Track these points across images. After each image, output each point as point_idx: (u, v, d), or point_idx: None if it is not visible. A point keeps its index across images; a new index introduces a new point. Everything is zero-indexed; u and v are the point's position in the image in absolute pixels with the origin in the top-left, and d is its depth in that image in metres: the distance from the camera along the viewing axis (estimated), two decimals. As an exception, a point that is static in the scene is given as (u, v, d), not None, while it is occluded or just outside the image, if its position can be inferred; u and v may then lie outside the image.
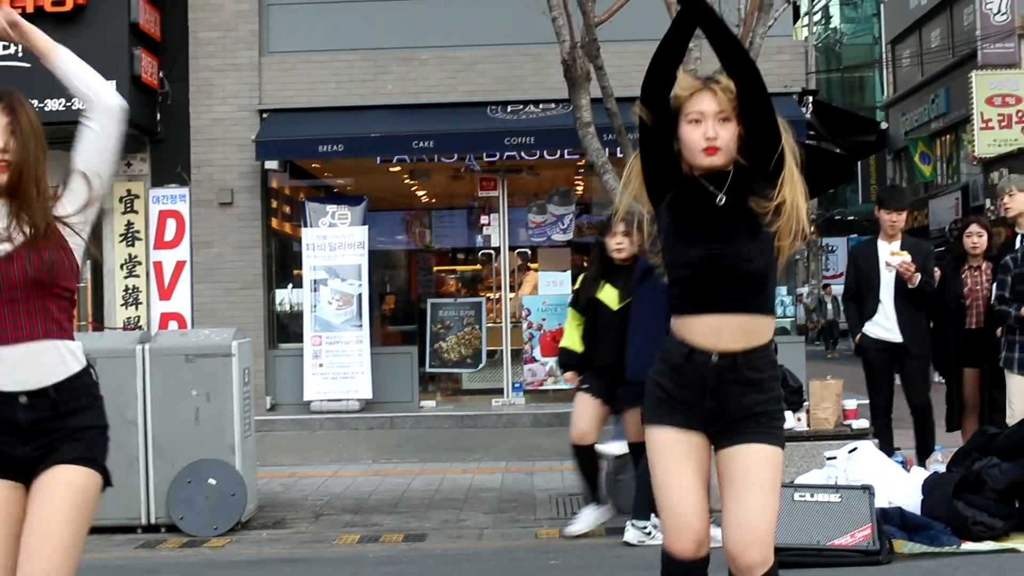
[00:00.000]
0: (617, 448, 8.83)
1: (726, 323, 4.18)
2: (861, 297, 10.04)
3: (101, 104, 3.97)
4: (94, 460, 3.95)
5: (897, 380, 10.06)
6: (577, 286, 8.87)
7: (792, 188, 4.20)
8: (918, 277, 9.57)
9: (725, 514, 4.18)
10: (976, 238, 10.03)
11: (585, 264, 8.86)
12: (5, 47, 14.86)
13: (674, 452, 4.21)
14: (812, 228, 3.77)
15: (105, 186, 4.03)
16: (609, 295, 8.38)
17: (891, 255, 9.72)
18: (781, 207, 4.17)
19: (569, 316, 8.79)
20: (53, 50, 4.01)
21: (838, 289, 36.90)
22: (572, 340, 8.71)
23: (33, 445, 3.88)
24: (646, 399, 4.36)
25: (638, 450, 7.73)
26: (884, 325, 9.85)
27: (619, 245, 8.28)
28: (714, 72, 4.31)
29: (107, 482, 4.02)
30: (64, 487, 3.85)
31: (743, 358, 4.18)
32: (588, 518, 8.53)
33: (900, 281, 9.70)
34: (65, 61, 4.00)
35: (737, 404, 4.19)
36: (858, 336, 10.07)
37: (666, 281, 4.35)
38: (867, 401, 10.04)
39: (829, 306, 36.71)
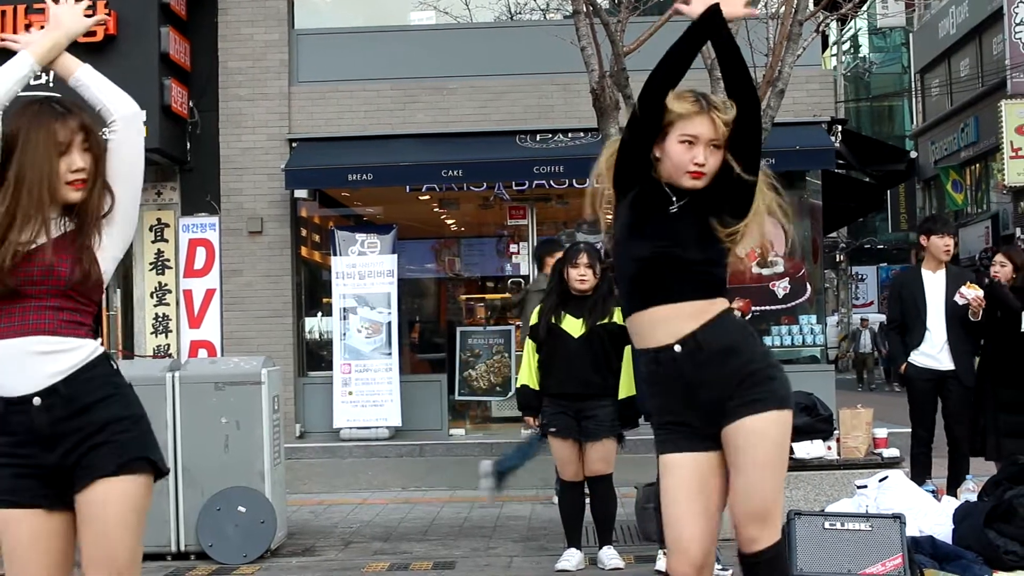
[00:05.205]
0: None
1: (675, 311, 4.23)
2: (906, 326, 9.87)
3: (116, 114, 3.97)
4: (135, 459, 3.82)
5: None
6: (534, 318, 8.40)
7: (757, 223, 4.33)
8: (981, 311, 9.44)
9: (730, 492, 4.28)
10: (999, 267, 9.81)
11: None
12: (36, 77, 14.92)
13: (680, 477, 4.26)
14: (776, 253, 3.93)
15: (130, 207, 4.01)
16: (570, 324, 8.11)
17: (966, 288, 9.41)
18: (736, 234, 4.28)
19: (529, 350, 8.36)
20: (78, 66, 4.13)
21: (874, 316, 36.57)
22: (532, 377, 8.34)
23: (60, 451, 3.76)
24: (653, 426, 4.45)
25: None
26: (930, 353, 9.68)
27: (582, 277, 8.03)
28: (714, 98, 4.34)
29: (159, 471, 3.90)
30: (112, 506, 3.76)
31: (701, 333, 4.22)
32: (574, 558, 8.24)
33: (952, 309, 9.60)
34: (87, 75, 4.09)
35: (720, 377, 4.21)
36: (903, 365, 9.94)
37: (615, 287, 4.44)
38: (898, 429, 9.97)
39: (866, 339, 35.03)
